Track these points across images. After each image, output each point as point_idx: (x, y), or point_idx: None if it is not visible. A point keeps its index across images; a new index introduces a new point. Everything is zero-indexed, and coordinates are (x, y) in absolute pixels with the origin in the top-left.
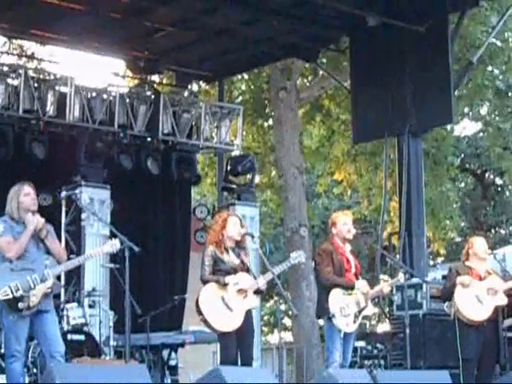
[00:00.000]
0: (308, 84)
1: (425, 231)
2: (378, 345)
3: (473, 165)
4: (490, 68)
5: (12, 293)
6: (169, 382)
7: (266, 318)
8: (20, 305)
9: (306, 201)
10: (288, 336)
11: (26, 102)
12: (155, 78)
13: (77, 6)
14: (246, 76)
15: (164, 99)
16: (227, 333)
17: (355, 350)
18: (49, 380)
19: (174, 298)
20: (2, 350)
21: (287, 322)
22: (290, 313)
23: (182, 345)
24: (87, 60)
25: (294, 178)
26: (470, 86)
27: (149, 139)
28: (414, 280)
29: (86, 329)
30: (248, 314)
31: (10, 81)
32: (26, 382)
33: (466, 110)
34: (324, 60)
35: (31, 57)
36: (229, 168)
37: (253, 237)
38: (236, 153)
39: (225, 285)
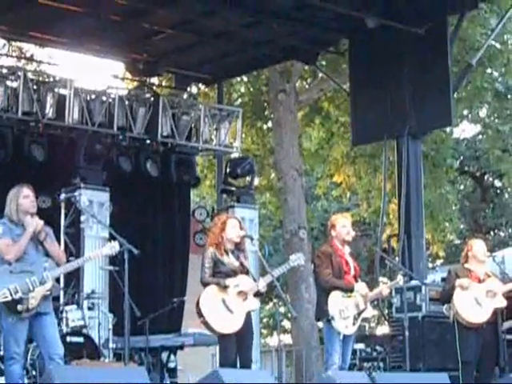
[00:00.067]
0: (307, 86)
1: (424, 233)
2: (378, 347)
3: (472, 167)
4: (489, 70)
5: (11, 295)
6: None
7: (265, 320)
8: (19, 307)
9: (306, 203)
10: (287, 338)
11: (25, 105)
12: (154, 80)
13: (76, 8)
14: (245, 78)
15: (163, 101)
16: (227, 335)
17: (354, 352)
18: (48, 382)
19: (173, 301)
20: (1, 353)
21: (286, 324)
22: (290, 315)
23: (181, 347)
24: (86, 62)
25: (294, 181)
26: (470, 88)
27: (148, 141)
28: (413, 282)
29: (85, 331)
30: (247, 316)
31: (9, 83)
32: None
33: (466, 112)
34: (323, 62)
35: (30, 59)
36: (228, 170)
37: (252, 239)
38: (235, 155)
39: (225, 287)
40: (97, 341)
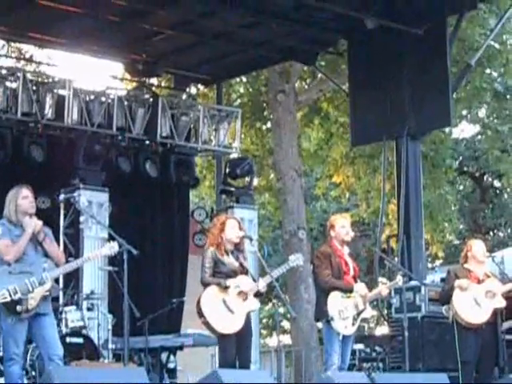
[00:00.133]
0: (306, 87)
1: (423, 234)
2: (377, 347)
3: (471, 167)
4: (488, 70)
5: (10, 296)
6: None
7: (264, 320)
8: (18, 308)
9: (305, 204)
10: (287, 339)
11: (24, 105)
12: (153, 80)
13: (75, 9)
14: (244, 79)
15: (162, 102)
16: (227, 335)
17: (354, 352)
18: (47, 383)
19: (173, 301)
20: (1, 353)
21: (286, 324)
22: (289, 316)
23: (181, 348)
24: (85, 63)
25: (293, 181)
26: (469, 88)
27: (147, 142)
28: (413, 283)
29: (84, 332)
30: (247, 316)
31: (8, 84)
32: None
33: (465, 112)
34: (322, 63)
35: (30, 60)
36: (227, 171)
37: (251, 239)
38: (234, 156)
39: (226, 287)
40: (96, 341)
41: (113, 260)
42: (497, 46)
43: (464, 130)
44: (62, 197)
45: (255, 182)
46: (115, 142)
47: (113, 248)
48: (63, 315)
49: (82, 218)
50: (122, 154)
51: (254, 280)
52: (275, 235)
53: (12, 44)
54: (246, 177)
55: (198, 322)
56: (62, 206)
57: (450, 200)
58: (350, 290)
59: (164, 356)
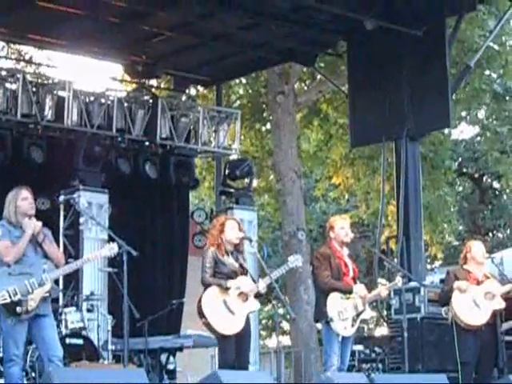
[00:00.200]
0: (306, 88)
1: (422, 235)
2: (376, 348)
3: (470, 169)
4: (487, 72)
5: (10, 297)
6: None
7: (264, 321)
8: (18, 309)
9: (304, 205)
10: (286, 340)
11: (24, 107)
12: (153, 82)
13: (75, 10)
14: (243, 80)
15: (162, 103)
16: (227, 336)
17: (353, 353)
18: None
19: (172, 302)
20: (1, 355)
21: (285, 325)
22: (288, 317)
23: (181, 349)
24: (85, 64)
25: (292, 182)
26: (468, 89)
27: (147, 143)
28: (412, 284)
29: (84, 333)
30: (246, 318)
31: (8, 85)
32: None
33: (464, 113)
34: (322, 64)
35: (29, 61)
36: (227, 172)
37: (251, 241)
38: (234, 157)
39: (226, 289)
40: (96, 343)
41: (112, 261)
42: (496, 47)
43: (463, 132)
44: (61, 198)
45: (255, 183)
46: (115, 144)
47: (112, 249)
48: (63, 316)
49: (81, 220)
50: (122, 155)
51: (254, 281)
52: (275, 236)
53: (12, 45)
54: (245, 178)
55: (197, 323)
56: (61, 207)
57: (449, 201)
58: (350, 291)
59: (164, 357)
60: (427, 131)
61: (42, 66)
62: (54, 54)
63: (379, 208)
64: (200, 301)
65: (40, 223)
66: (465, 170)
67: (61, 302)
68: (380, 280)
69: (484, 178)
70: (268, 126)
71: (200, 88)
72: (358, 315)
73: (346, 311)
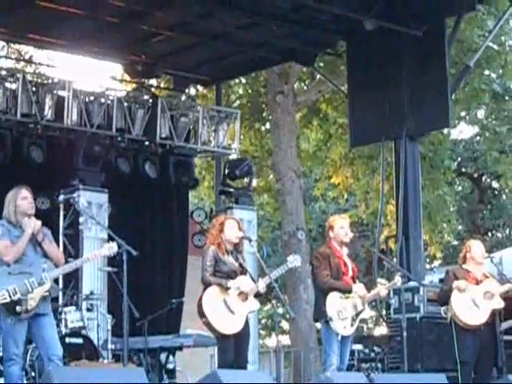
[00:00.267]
0: (305, 88)
1: (422, 234)
2: (376, 348)
3: (469, 168)
4: (486, 72)
5: (10, 296)
6: None
7: (263, 321)
8: (18, 308)
9: (304, 204)
10: (285, 339)
11: (24, 106)
12: (153, 82)
13: (75, 10)
14: (243, 80)
15: (162, 103)
16: (227, 336)
17: (352, 353)
18: (47, 383)
19: (172, 302)
20: (0, 354)
21: (285, 325)
22: (288, 316)
23: (180, 348)
24: (85, 64)
25: (292, 182)
26: (467, 89)
27: (146, 143)
28: (411, 283)
29: (83, 332)
30: (246, 317)
31: (8, 85)
32: None
33: (463, 113)
34: (321, 64)
35: (29, 61)
36: (226, 172)
37: (250, 240)
38: (233, 156)
39: (226, 288)
40: (96, 342)
41: (112, 261)
42: (495, 47)
43: (463, 131)
44: (61, 197)
45: (254, 182)
46: (115, 143)
47: (112, 249)
48: (63, 316)
49: (81, 219)
50: (122, 154)
51: (254, 280)
52: (274, 236)
53: (12, 45)
54: (245, 178)
55: (197, 322)
56: (61, 206)
57: (448, 201)
58: (349, 291)
59: (163, 356)
60: (427, 131)
61: (41, 66)
62: (54, 54)
63: (378, 207)
64: (200, 300)
65: (40, 222)
66: (464, 170)
67: (60, 301)
68: (379, 279)
69: (483, 178)
70: (267, 125)
71: (200, 88)
72: (357, 315)
73: (345, 311)
